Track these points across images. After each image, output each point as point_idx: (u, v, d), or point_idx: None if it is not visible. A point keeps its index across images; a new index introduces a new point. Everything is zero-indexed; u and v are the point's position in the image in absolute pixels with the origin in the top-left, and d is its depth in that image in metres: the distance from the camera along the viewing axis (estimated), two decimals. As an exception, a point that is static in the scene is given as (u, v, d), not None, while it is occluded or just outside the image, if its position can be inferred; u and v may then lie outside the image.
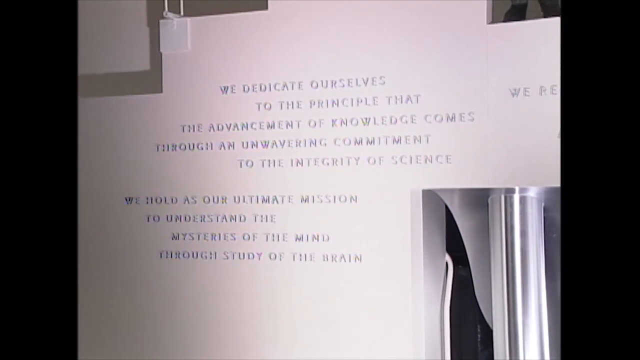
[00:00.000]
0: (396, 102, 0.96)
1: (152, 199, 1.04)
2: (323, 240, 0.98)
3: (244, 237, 1.01)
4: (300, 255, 0.99)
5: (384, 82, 0.97)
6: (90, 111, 1.05)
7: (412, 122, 0.95)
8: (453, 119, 0.94)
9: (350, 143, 0.98)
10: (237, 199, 1.01)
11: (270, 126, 1.00)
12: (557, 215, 0.97)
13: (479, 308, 1.03)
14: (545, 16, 0.98)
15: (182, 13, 1.05)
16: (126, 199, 1.06)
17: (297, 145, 0.99)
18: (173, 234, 1.04)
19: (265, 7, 1.01)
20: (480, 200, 1.00)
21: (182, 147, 1.03)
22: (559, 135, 0.71)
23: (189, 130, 1.03)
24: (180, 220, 1.03)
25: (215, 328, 1.02)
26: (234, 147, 1.02)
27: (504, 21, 0.99)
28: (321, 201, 0.98)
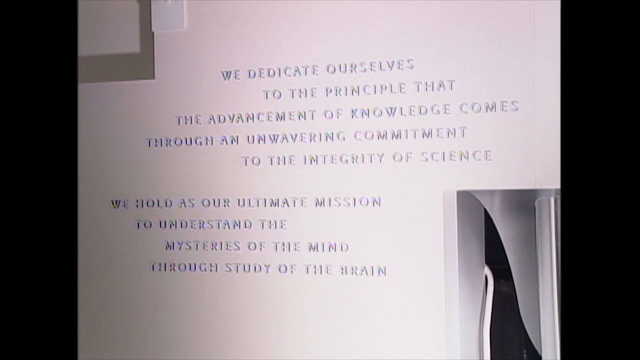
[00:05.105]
0: (426, 89, 0.90)
1: (142, 202, 0.99)
2: (341, 250, 0.92)
3: (249, 247, 0.95)
4: (315, 267, 0.93)
5: (412, 66, 0.90)
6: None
7: (445, 112, 0.89)
8: (493, 108, 0.88)
9: (372, 137, 0.91)
10: (241, 202, 0.96)
11: (280, 117, 0.94)
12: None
13: (525, 329, 1.00)
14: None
15: (177, -13, 0.98)
16: (112, 202, 1.00)
17: (311, 140, 0.93)
18: (167, 242, 0.98)
19: (274, -20, 0.93)
20: (525, 203, 0.96)
21: (178, 141, 0.98)
22: None
23: (186, 122, 0.98)
24: (176, 227, 0.98)
25: (215, 351, 0.96)
26: (237, 142, 0.96)
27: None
28: (339, 205, 0.92)
